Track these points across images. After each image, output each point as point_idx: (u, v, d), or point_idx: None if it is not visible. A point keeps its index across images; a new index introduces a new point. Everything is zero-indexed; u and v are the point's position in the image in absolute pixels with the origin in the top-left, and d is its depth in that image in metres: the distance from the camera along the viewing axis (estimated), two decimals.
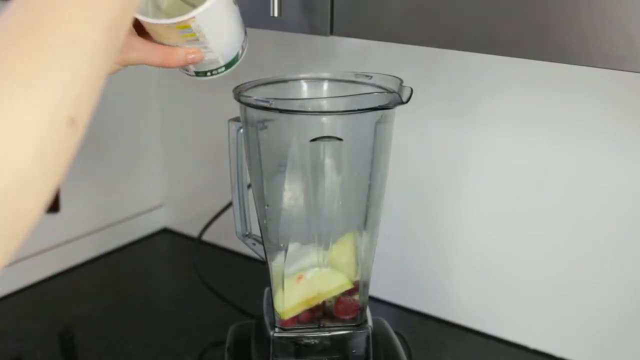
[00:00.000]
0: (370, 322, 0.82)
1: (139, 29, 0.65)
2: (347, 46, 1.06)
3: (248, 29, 0.71)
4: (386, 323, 0.89)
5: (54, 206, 1.18)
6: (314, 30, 0.74)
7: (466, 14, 0.64)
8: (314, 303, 0.81)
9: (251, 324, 0.88)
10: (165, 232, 1.38)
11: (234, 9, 0.67)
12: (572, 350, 0.99)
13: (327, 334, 0.80)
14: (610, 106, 0.89)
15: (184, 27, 0.63)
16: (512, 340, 1.03)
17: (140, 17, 0.62)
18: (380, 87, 0.78)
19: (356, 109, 0.73)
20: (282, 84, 0.82)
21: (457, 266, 1.05)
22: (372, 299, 1.05)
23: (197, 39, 0.65)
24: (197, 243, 1.15)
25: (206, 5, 0.61)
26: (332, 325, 0.81)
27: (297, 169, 0.77)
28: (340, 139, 0.75)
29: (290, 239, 0.80)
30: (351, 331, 0.81)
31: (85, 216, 1.25)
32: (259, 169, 0.78)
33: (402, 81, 0.77)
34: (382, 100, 0.73)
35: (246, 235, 0.86)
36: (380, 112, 0.74)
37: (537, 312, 1.00)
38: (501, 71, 0.95)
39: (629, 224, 0.91)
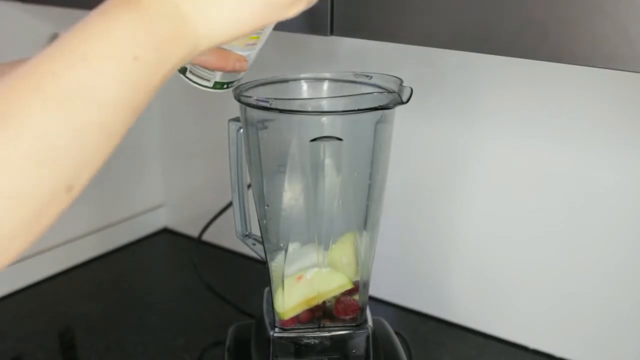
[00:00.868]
0: (370, 322, 0.82)
1: None
2: (347, 46, 1.06)
3: None
4: (386, 323, 0.89)
5: None
6: (314, 30, 0.74)
7: (466, 14, 0.64)
8: (314, 303, 0.81)
9: (251, 324, 0.88)
10: (165, 232, 1.38)
11: None
12: (572, 350, 0.99)
13: (327, 334, 0.80)
14: (611, 106, 0.89)
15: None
16: (512, 340, 1.03)
17: None
18: (380, 87, 0.78)
19: (356, 109, 0.73)
20: (282, 84, 0.82)
21: (457, 266, 1.05)
22: (372, 299, 1.06)
23: (254, 45, 0.63)
24: (197, 243, 1.15)
25: None
26: (332, 325, 0.81)
27: (297, 169, 0.77)
28: (340, 139, 0.75)
29: (290, 239, 0.80)
30: (351, 331, 0.81)
31: (85, 216, 1.25)
32: (259, 169, 0.78)
33: (402, 81, 0.77)
34: (382, 100, 0.73)
35: (246, 235, 0.86)
36: (380, 112, 0.74)
37: (537, 312, 1.00)
38: (501, 71, 0.95)
39: (630, 224, 0.91)
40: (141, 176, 1.34)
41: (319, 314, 0.81)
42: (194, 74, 0.68)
